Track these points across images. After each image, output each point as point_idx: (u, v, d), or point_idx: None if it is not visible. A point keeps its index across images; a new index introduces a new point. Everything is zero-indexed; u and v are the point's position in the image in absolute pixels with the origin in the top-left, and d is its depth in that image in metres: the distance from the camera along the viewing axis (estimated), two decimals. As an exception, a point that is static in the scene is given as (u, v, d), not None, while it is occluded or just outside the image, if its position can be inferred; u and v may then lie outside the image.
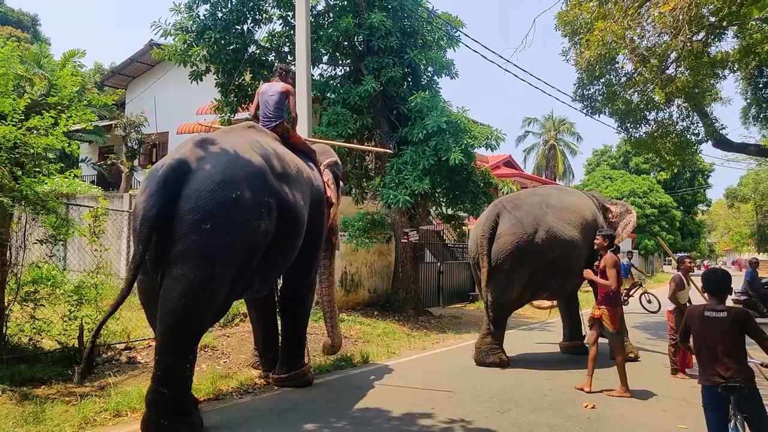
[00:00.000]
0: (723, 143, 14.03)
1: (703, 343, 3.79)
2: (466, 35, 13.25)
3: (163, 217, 4.90)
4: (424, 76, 13.48)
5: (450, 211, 14.05)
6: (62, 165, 7.42)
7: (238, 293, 5.62)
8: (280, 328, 7.10)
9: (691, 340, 4.00)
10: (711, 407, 3.74)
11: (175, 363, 4.86)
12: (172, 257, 4.91)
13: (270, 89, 6.93)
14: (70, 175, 7.04)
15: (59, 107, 7.10)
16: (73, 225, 7.21)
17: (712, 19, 9.99)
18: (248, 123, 6.56)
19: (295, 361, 6.81)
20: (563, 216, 8.53)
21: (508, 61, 15.48)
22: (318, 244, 6.82)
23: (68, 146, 6.78)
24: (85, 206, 9.46)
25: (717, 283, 3.91)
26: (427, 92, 12.15)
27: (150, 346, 8.02)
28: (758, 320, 3.96)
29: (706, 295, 3.98)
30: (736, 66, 12.29)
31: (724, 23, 10.10)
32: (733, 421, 3.60)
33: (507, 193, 13.81)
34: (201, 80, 13.17)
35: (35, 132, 6.44)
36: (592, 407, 6.18)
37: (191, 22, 12.43)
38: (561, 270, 8.46)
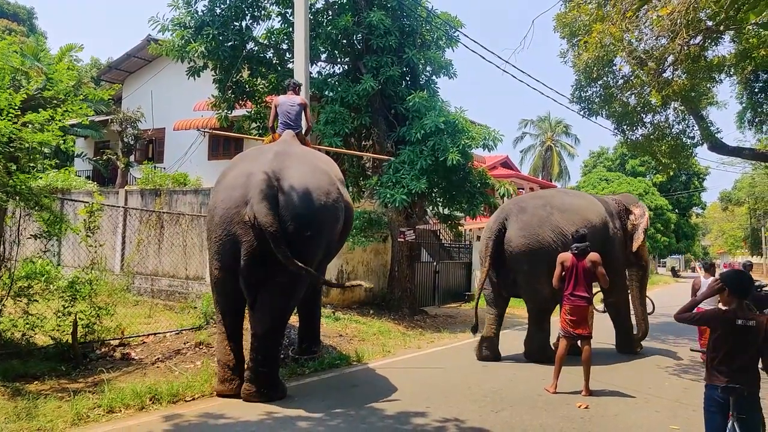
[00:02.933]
0: (718, 147, 14.07)
1: (722, 345, 3.77)
2: (465, 35, 13.28)
3: (273, 222, 5.60)
4: (423, 76, 13.48)
5: (447, 211, 14.05)
6: (57, 161, 7.40)
7: None
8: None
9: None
10: (713, 408, 3.77)
11: (274, 349, 6.04)
12: (276, 262, 5.65)
13: (289, 101, 7.58)
14: (64, 171, 7.02)
15: (55, 101, 7.07)
16: (67, 222, 7.18)
17: (710, 24, 10.03)
18: (291, 132, 7.32)
19: (312, 344, 7.98)
20: (567, 217, 8.69)
21: (506, 62, 15.49)
22: (341, 245, 7.75)
23: (63, 143, 6.75)
24: (80, 201, 9.44)
25: (746, 287, 3.87)
26: (425, 92, 12.15)
27: (144, 342, 8.01)
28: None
29: (726, 296, 3.89)
30: (732, 70, 12.34)
31: (721, 27, 10.13)
32: (731, 422, 3.63)
33: (503, 194, 13.87)
34: (198, 76, 13.14)
35: (30, 127, 6.41)
36: (586, 407, 6.21)
37: (189, 17, 12.38)
38: None
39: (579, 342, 7.16)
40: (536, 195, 9.82)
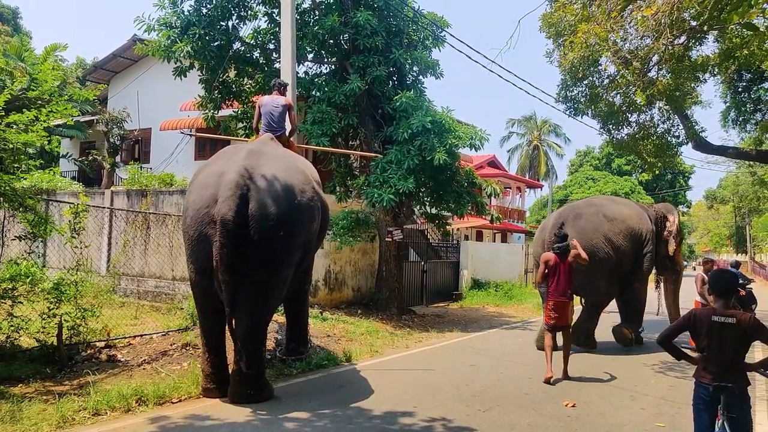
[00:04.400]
0: (703, 146, 14.24)
1: (706, 344, 3.81)
2: (451, 35, 13.32)
3: (239, 220, 5.56)
4: (410, 76, 13.49)
5: (434, 211, 14.07)
6: (42, 161, 7.34)
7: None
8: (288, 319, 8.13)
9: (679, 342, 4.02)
10: (701, 405, 3.79)
11: (257, 349, 5.95)
12: (250, 262, 5.65)
13: (273, 102, 7.48)
14: (49, 171, 6.97)
15: (39, 102, 7.01)
16: (51, 223, 7.12)
17: (693, 24, 10.12)
18: (269, 135, 7.23)
19: (300, 345, 7.88)
20: (615, 225, 9.77)
21: (492, 61, 15.50)
22: (319, 245, 7.76)
23: (48, 143, 6.70)
24: (65, 202, 9.35)
25: (729, 286, 3.92)
26: (412, 92, 12.16)
27: (130, 344, 7.96)
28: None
29: (711, 297, 3.97)
30: (716, 70, 12.49)
31: (705, 27, 10.23)
32: (720, 421, 3.65)
33: (490, 194, 13.93)
34: (185, 76, 13.04)
35: (14, 127, 6.35)
36: (573, 406, 6.25)
37: (175, 17, 12.28)
38: (618, 271, 9.73)
39: (561, 332, 7.78)
40: (589, 203, 10.75)
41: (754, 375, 3.91)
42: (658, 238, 10.33)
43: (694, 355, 3.95)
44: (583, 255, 7.73)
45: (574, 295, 9.23)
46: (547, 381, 7.23)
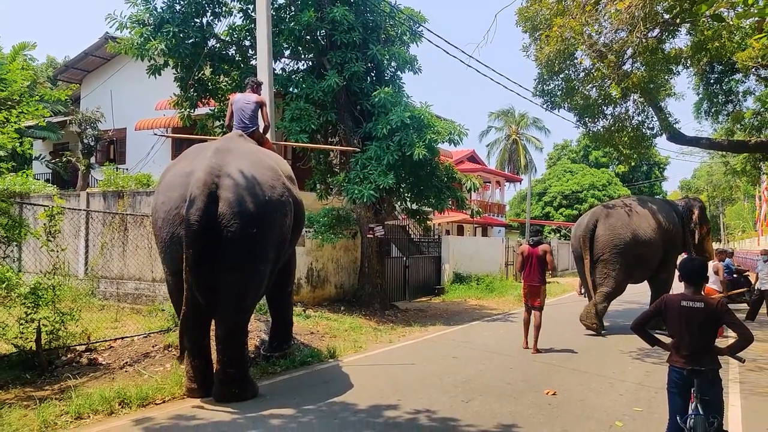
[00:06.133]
0: (677, 137, 14.45)
1: (677, 329, 3.93)
2: (428, 30, 13.32)
3: (207, 220, 5.49)
4: (388, 71, 13.48)
5: (415, 206, 14.12)
6: (14, 164, 7.21)
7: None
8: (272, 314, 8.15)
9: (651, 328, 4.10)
10: (674, 389, 3.90)
11: (238, 349, 5.94)
12: (224, 262, 5.65)
13: (245, 99, 7.45)
14: (22, 174, 6.85)
15: (9, 103, 6.88)
16: (26, 227, 6.99)
17: (666, 16, 10.30)
18: (238, 132, 7.13)
19: (283, 342, 7.90)
20: (645, 220, 11.02)
21: (470, 56, 15.63)
22: (296, 242, 7.62)
23: (20, 145, 6.58)
24: (39, 205, 9.20)
25: (694, 272, 4.02)
26: (390, 87, 12.17)
27: (111, 347, 7.87)
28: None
29: (682, 283, 4.08)
30: (689, 62, 12.68)
31: (677, 20, 10.42)
32: (694, 403, 3.77)
33: (470, 188, 14.04)
34: (159, 75, 12.87)
35: (-15, 129, 6.23)
36: (553, 394, 6.36)
37: (148, 14, 12.10)
38: (642, 262, 10.97)
39: (534, 311, 8.92)
40: (621, 202, 11.93)
41: (726, 358, 4.02)
42: (686, 229, 11.59)
43: (667, 341, 4.05)
44: (550, 264, 8.88)
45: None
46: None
